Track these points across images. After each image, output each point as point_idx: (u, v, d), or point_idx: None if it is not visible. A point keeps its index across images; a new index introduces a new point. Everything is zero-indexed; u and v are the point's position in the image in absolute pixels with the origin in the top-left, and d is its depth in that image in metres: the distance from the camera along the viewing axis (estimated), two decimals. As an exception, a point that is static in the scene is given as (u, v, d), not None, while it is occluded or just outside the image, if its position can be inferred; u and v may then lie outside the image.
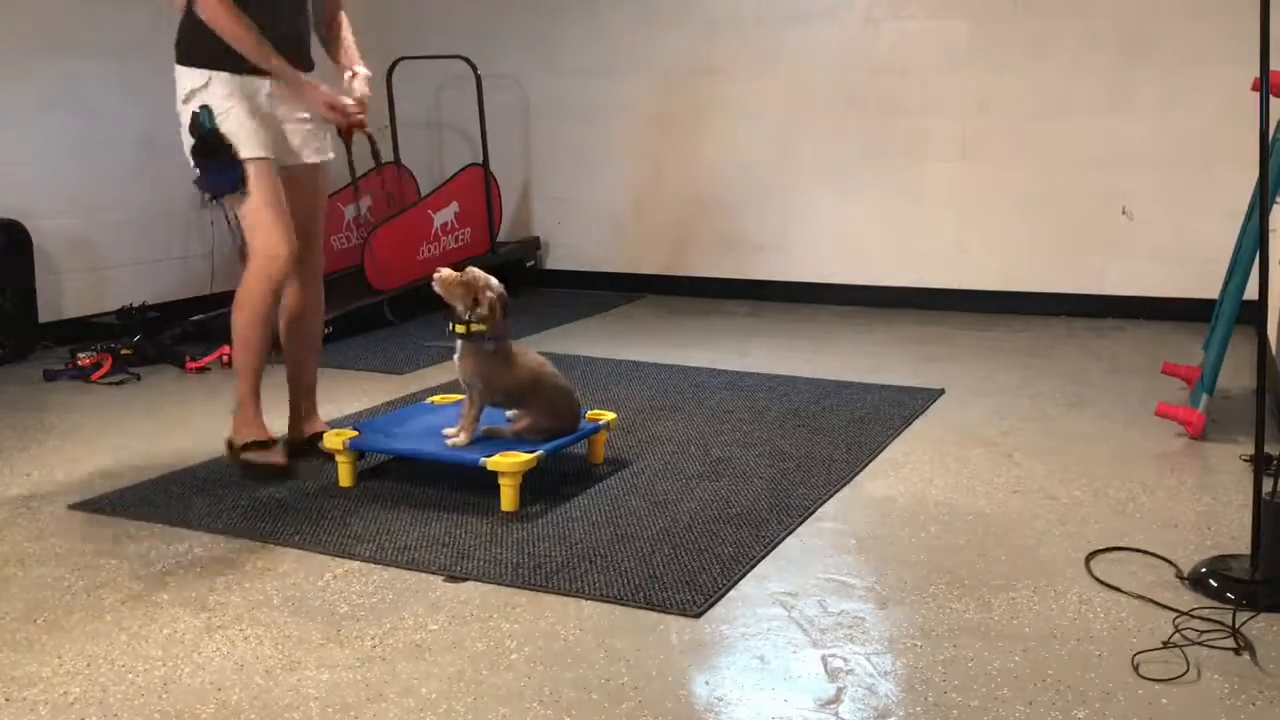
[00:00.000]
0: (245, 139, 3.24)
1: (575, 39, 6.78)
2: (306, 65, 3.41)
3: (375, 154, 3.92)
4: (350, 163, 3.56)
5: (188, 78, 3.24)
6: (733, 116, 6.43)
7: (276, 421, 3.58)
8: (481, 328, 3.24)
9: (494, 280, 3.31)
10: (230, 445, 3.47)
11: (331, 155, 3.56)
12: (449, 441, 3.27)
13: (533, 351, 3.46)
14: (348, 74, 3.44)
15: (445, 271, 3.30)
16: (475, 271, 3.31)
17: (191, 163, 3.29)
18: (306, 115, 3.40)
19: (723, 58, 6.40)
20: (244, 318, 3.35)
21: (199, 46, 3.22)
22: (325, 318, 3.67)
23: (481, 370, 3.27)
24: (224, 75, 3.22)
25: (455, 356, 3.31)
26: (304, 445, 3.59)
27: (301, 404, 3.64)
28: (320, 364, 3.69)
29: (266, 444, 3.45)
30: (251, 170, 3.24)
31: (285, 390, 3.64)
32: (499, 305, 3.25)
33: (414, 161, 6.98)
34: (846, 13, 6.09)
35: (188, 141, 3.27)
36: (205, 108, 3.21)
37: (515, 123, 7.01)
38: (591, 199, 6.92)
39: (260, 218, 3.26)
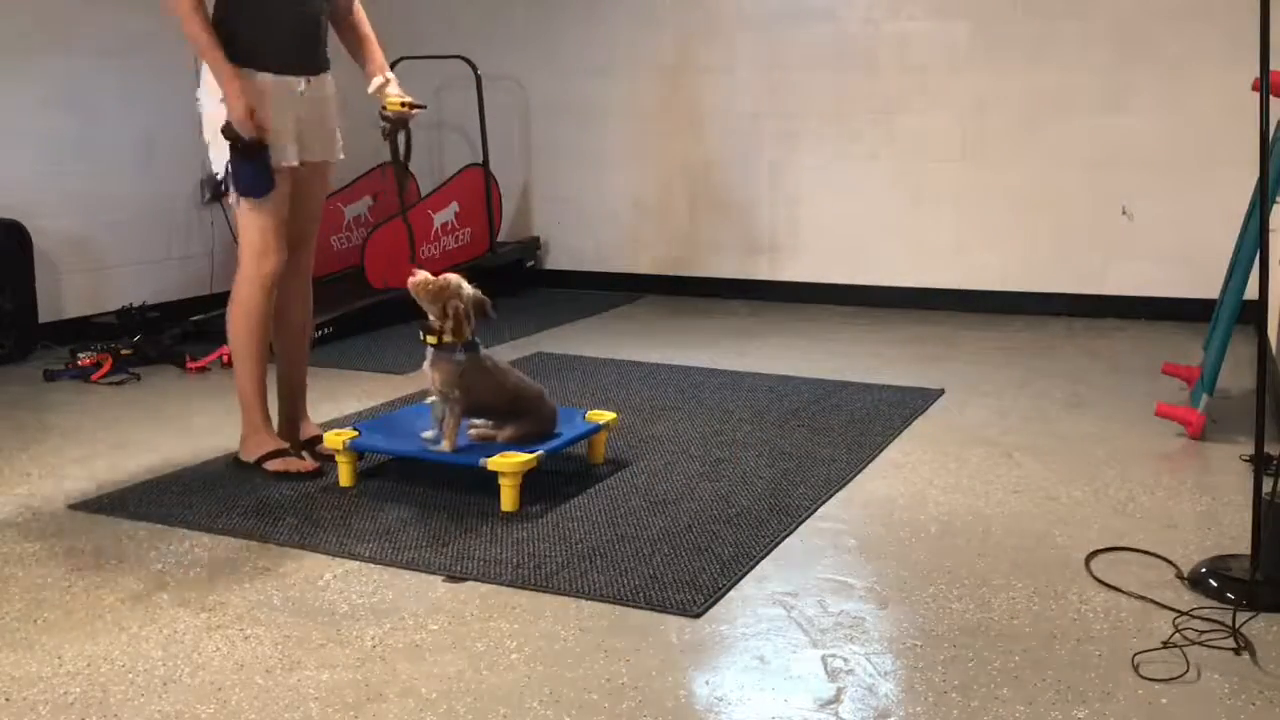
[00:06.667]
0: (281, 147, 3.25)
1: (575, 39, 6.77)
2: (319, 64, 3.40)
3: (405, 154, 3.83)
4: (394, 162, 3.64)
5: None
6: (732, 116, 6.43)
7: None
8: (449, 338, 3.17)
9: (467, 288, 3.20)
10: (241, 463, 3.46)
11: (342, 156, 3.55)
12: (431, 448, 3.23)
13: (503, 360, 3.41)
14: (377, 80, 3.45)
15: (420, 276, 3.18)
16: (450, 278, 3.20)
17: (220, 162, 3.23)
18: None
19: (722, 57, 6.40)
20: (242, 324, 3.36)
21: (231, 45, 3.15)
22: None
23: (459, 382, 3.17)
24: (259, 75, 3.19)
25: (425, 365, 3.21)
26: (300, 451, 3.53)
27: (295, 407, 3.61)
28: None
29: (285, 452, 3.44)
30: (278, 178, 3.25)
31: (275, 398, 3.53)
32: (466, 316, 3.15)
33: (414, 161, 6.92)
34: (846, 13, 6.08)
35: (221, 143, 3.19)
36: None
37: (515, 123, 7.01)
38: (591, 199, 6.91)
39: (264, 221, 3.28)
